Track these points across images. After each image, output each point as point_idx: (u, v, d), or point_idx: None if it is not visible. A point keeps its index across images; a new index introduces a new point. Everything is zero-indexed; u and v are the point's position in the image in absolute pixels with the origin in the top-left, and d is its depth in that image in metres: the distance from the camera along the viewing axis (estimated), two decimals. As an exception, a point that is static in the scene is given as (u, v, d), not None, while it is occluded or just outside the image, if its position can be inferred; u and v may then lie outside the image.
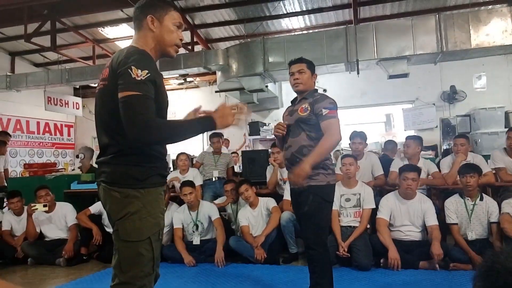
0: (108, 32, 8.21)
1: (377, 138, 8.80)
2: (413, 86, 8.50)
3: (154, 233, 1.65)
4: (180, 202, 4.64)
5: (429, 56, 5.94)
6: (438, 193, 4.51)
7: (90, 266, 4.43)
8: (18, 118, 9.49)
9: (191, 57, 7.13)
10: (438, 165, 4.72)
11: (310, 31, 7.89)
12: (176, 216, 4.38)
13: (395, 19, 7.22)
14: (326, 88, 8.60)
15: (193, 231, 4.36)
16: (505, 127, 7.12)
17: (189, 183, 4.38)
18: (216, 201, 4.84)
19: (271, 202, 4.36)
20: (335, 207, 3.98)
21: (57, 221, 4.69)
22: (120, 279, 1.61)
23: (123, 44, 8.17)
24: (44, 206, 4.50)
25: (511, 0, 6.53)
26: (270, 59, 6.29)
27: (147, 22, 1.70)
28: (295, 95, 2.82)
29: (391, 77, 6.09)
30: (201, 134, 9.36)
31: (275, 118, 9.33)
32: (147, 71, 1.54)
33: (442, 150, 7.96)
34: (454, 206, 3.83)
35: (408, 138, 4.65)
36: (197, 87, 10.50)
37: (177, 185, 5.11)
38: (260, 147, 8.78)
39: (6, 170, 6.53)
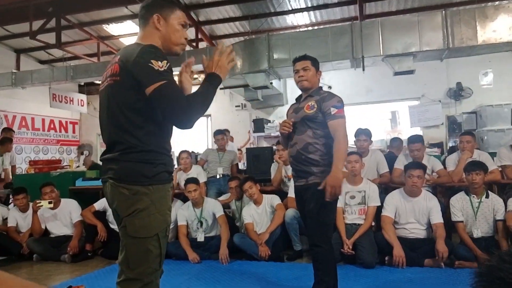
0: (113, 29, 8.22)
1: (383, 135, 8.76)
2: (419, 83, 8.44)
3: (162, 229, 1.65)
4: (185, 199, 4.64)
5: (435, 53, 5.88)
6: (443, 191, 4.49)
7: (95, 262, 4.44)
8: (23, 115, 9.54)
9: (196, 53, 7.06)
10: (443, 162, 4.69)
11: (315, 27, 7.84)
12: (181, 213, 4.38)
13: (401, 15, 7.17)
14: (331, 85, 8.58)
15: (198, 228, 4.36)
16: (512, 124, 7.08)
17: (194, 180, 4.38)
18: (221, 198, 4.85)
19: (275, 199, 4.35)
20: (340, 204, 3.97)
21: (62, 217, 4.71)
22: (127, 276, 1.61)
23: (128, 41, 8.19)
24: (50, 202, 4.52)
25: (519, -4, 6.46)
26: (275, 56, 6.26)
27: (153, 21, 1.71)
28: (300, 92, 2.81)
29: (396, 73, 6.05)
30: (206, 132, 9.35)
31: (279, 115, 9.30)
32: (166, 61, 1.59)
33: (448, 148, 7.92)
34: (459, 203, 3.80)
35: (413, 140, 4.44)
36: (201, 84, 10.49)
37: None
38: (264, 144, 8.77)
39: (13, 167, 6.58)
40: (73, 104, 9.59)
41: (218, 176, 5.52)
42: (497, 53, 6.32)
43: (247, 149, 6.01)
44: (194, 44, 7.84)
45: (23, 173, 7.18)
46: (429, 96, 8.70)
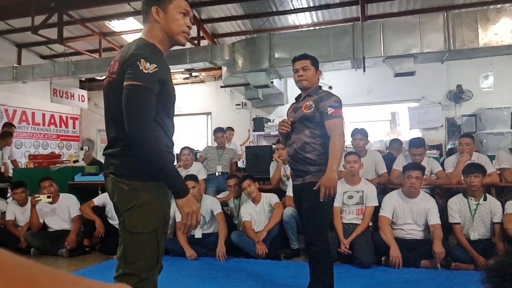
0: (115, 25, 8.21)
1: (382, 136, 8.77)
2: (419, 84, 8.44)
3: (160, 226, 1.66)
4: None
5: (436, 55, 5.89)
6: (441, 193, 4.50)
7: (92, 257, 4.46)
8: (24, 110, 9.53)
9: (197, 51, 7.12)
10: (442, 164, 4.70)
11: (317, 27, 7.83)
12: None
13: (402, 16, 7.16)
14: (331, 85, 8.56)
15: (196, 225, 4.36)
16: (511, 128, 7.08)
17: (192, 177, 4.38)
18: (219, 196, 4.86)
19: (273, 198, 4.36)
20: (338, 204, 3.99)
21: (61, 212, 4.72)
22: (124, 270, 1.62)
23: (130, 38, 8.19)
24: (48, 197, 4.52)
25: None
26: (276, 55, 6.27)
27: (153, 14, 1.71)
28: (299, 91, 2.81)
29: (397, 75, 6.06)
30: (206, 129, 9.32)
31: (280, 114, 9.31)
32: (155, 66, 1.56)
33: (446, 150, 7.92)
34: (457, 205, 3.81)
35: (416, 145, 4.38)
36: (202, 82, 10.49)
37: None
38: (264, 143, 8.77)
39: (14, 161, 6.59)
40: (73, 99, 9.58)
41: (217, 174, 5.54)
42: (498, 56, 6.33)
43: (246, 147, 6.02)
44: (196, 42, 7.84)
45: (23, 167, 7.19)
46: (429, 98, 8.70)
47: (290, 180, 3.89)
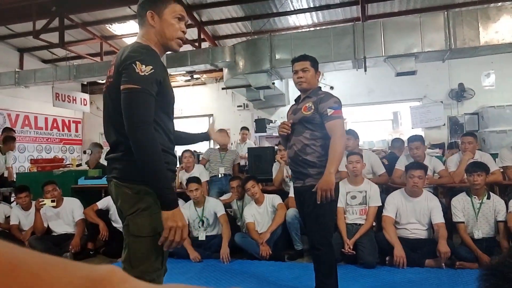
0: (116, 28, 8.24)
1: (384, 136, 8.76)
2: (421, 83, 8.44)
3: None
4: (186, 198, 4.66)
5: (437, 54, 5.89)
6: (445, 191, 4.49)
7: (96, 261, 4.46)
8: (26, 114, 9.57)
9: (198, 54, 7.14)
10: (445, 163, 4.69)
11: (318, 28, 7.84)
12: (182, 212, 4.38)
13: (403, 16, 7.16)
14: (333, 85, 8.56)
15: (199, 227, 4.38)
16: (514, 126, 7.07)
17: (195, 180, 4.39)
18: (222, 198, 4.86)
19: (276, 199, 4.36)
20: (341, 204, 3.98)
21: (65, 216, 4.73)
22: (129, 274, 1.62)
23: (131, 41, 8.14)
24: (52, 201, 4.54)
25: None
26: (277, 56, 6.28)
27: (147, 18, 1.71)
28: (299, 92, 2.80)
29: (398, 74, 6.05)
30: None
31: (281, 115, 9.31)
32: (151, 67, 1.55)
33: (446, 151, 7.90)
34: (461, 204, 3.81)
35: (412, 139, 4.48)
36: (204, 84, 10.51)
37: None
38: (266, 144, 8.77)
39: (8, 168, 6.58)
40: (76, 103, 9.60)
41: (219, 176, 5.54)
42: (499, 54, 6.32)
43: (248, 149, 6.02)
44: (196, 44, 7.85)
45: (26, 171, 7.21)
46: (431, 97, 8.69)
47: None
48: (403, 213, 3.86)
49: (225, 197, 4.90)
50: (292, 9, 7.47)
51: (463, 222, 3.76)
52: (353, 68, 6.40)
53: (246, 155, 6.03)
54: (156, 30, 1.72)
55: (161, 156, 1.55)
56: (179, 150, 5.83)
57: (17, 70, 8.22)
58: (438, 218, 3.73)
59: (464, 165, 4.12)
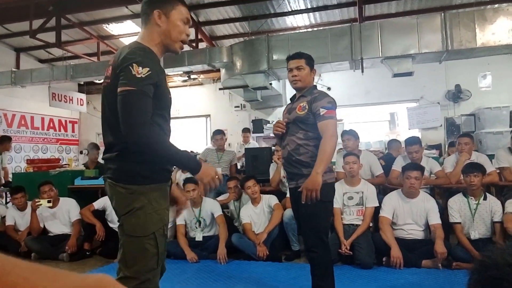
0: (113, 28, 8.23)
1: (381, 137, 8.77)
2: (418, 84, 8.46)
3: (159, 228, 1.66)
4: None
5: (434, 55, 5.91)
6: (441, 192, 4.51)
7: (93, 261, 4.45)
8: (22, 114, 9.53)
9: (195, 54, 7.13)
10: (442, 164, 4.71)
11: (315, 28, 7.86)
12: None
13: (400, 17, 7.19)
14: (330, 86, 8.58)
15: (196, 228, 4.37)
16: (510, 127, 7.09)
17: (192, 180, 4.37)
18: (219, 198, 4.85)
19: (273, 199, 4.36)
20: (338, 205, 3.99)
21: (61, 216, 4.71)
22: (124, 273, 1.63)
23: (128, 41, 8.16)
24: (49, 201, 4.52)
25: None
26: (274, 57, 6.28)
27: (154, 17, 1.69)
28: (294, 91, 2.79)
29: (395, 75, 6.07)
30: (205, 131, 9.28)
31: (279, 116, 9.29)
32: (148, 69, 1.55)
33: (447, 147, 7.91)
34: (457, 205, 3.82)
35: (411, 142, 4.42)
36: (201, 84, 10.51)
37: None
38: (263, 144, 8.77)
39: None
40: (72, 103, 9.57)
41: (217, 176, 5.53)
42: (496, 55, 6.35)
43: (246, 149, 6.01)
44: (194, 44, 7.84)
45: (22, 171, 7.17)
46: (427, 98, 8.72)
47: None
48: (400, 214, 3.86)
49: (222, 197, 4.89)
50: (290, 10, 7.48)
51: (460, 223, 3.76)
52: (350, 69, 6.41)
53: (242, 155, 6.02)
54: (161, 30, 1.71)
55: (167, 144, 1.62)
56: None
57: (13, 69, 8.18)
58: (435, 219, 3.73)
59: (460, 166, 4.13)
